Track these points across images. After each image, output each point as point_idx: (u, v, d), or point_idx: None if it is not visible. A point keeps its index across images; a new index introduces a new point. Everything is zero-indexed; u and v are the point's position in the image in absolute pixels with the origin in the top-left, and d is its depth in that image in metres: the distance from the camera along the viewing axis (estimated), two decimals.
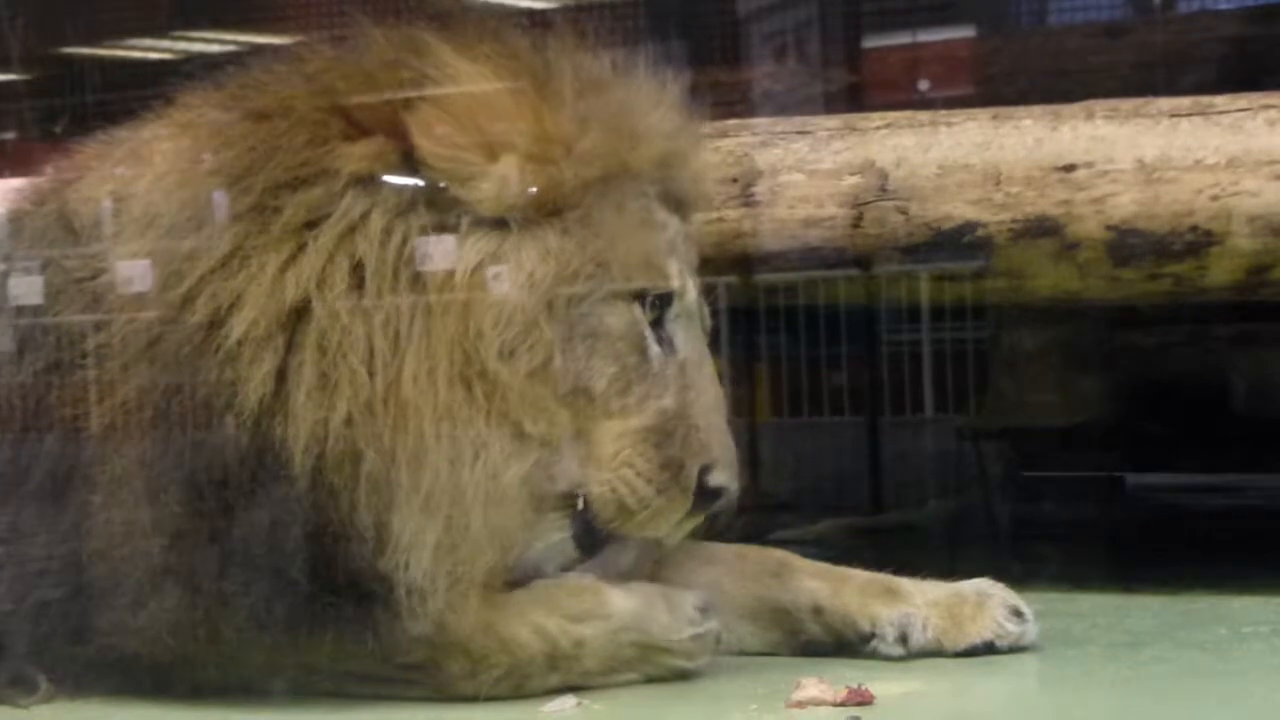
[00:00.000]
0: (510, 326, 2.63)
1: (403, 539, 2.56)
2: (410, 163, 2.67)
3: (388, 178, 2.67)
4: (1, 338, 2.85)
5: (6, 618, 2.76)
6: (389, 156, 2.67)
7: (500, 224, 2.66)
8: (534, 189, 2.67)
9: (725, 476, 2.75)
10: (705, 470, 2.74)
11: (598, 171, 2.73)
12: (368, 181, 2.66)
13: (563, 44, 2.81)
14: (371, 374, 2.58)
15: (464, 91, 2.68)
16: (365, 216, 2.63)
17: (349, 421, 2.57)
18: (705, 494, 2.74)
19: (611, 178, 2.75)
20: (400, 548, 2.56)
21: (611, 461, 2.70)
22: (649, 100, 2.84)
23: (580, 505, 2.71)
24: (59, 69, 5.15)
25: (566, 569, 2.75)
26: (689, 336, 2.81)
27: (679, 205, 2.89)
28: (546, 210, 2.69)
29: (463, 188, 2.65)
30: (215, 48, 5.31)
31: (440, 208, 2.66)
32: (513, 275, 2.64)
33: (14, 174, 3.22)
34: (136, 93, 2.99)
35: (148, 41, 5.35)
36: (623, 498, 2.70)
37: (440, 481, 2.58)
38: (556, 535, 2.72)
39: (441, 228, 2.65)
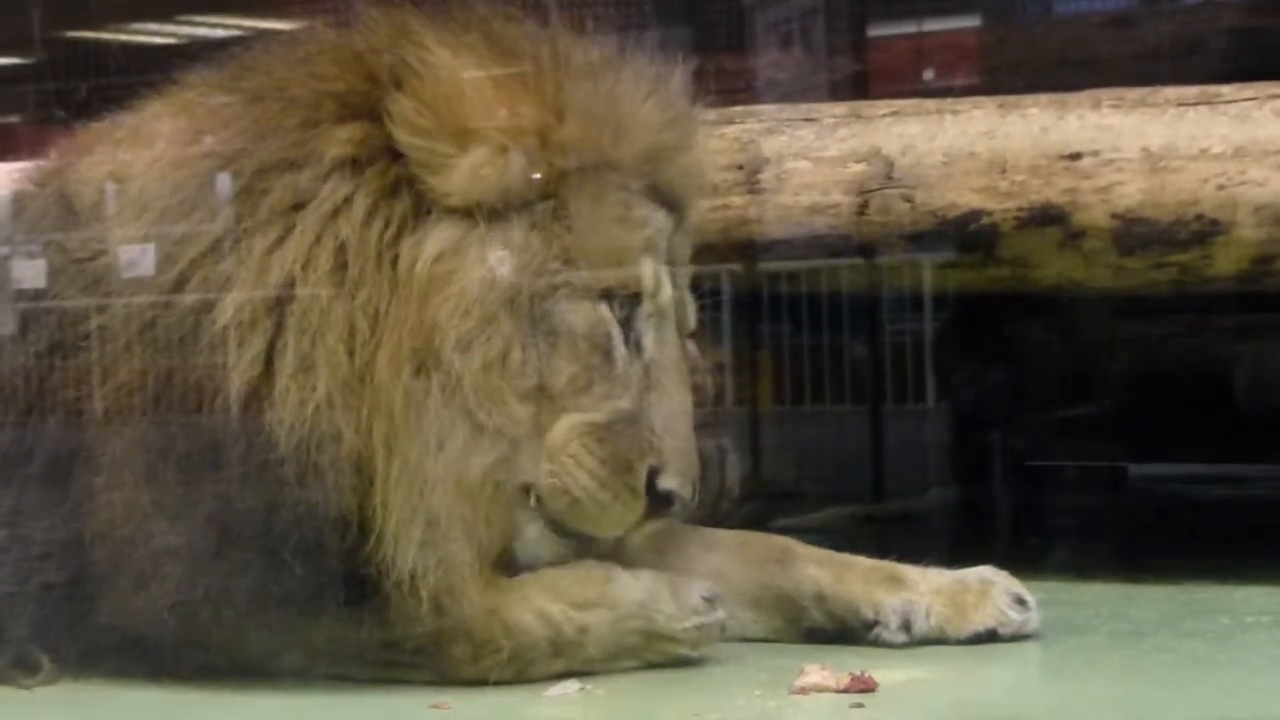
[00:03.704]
0: (467, 319, 2.61)
1: (387, 530, 2.57)
2: (394, 147, 2.67)
3: (371, 161, 2.66)
4: (3, 319, 2.85)
5: (9, 599, 2.76)
6: (374, 141, 2.67)
7: (467, 215, 2.65)
8: (504, 182, 2.66)
9: (676, 481, 2.72)
10: (655, 472, 2.71)
11: (573, 164, 2.71)
12: (352, 165, 2.66)
13: (555, 33, 2.79)
14: (350, 354, 2.58)
15: (443, 80, 2.67)
16: (349, 200, 2.64)
17: (329, 402, 2.57)
18: (656, 498, 2.72)
19: (589, 170, 2.73)
20: (386, 539, 2.56)
21: (559, 454, 2.69)
22: (639, 91, 2.81)
23: (534, 500, 2.71)
24: (65, 52, 5.15)
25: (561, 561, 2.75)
26: (659, 338, 2.79)
27: (667, 200, 2.85)
28: (516, 204, 2.68)
29: (434, 176, 2.65)
30: (220, 32, 5.31)
31: (421, 194, 2.65)
32: (474, 268, 2.63)
33: (20, 156, 3.23)
34: (142, 76, 2.98)
35: (153, 25, 5.35)
36: (569, 490, 2.69)
37: (410, 470, 2.57)
38: (533, 529, 2.72)
39: (421, 214, 2.65)
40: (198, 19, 5.27)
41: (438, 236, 2.64)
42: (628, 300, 2.75)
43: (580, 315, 2.71)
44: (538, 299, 2.68)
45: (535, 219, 2.69)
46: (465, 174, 2.65)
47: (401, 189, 2.66)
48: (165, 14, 5.27)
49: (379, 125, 2.67)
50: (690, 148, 2.96)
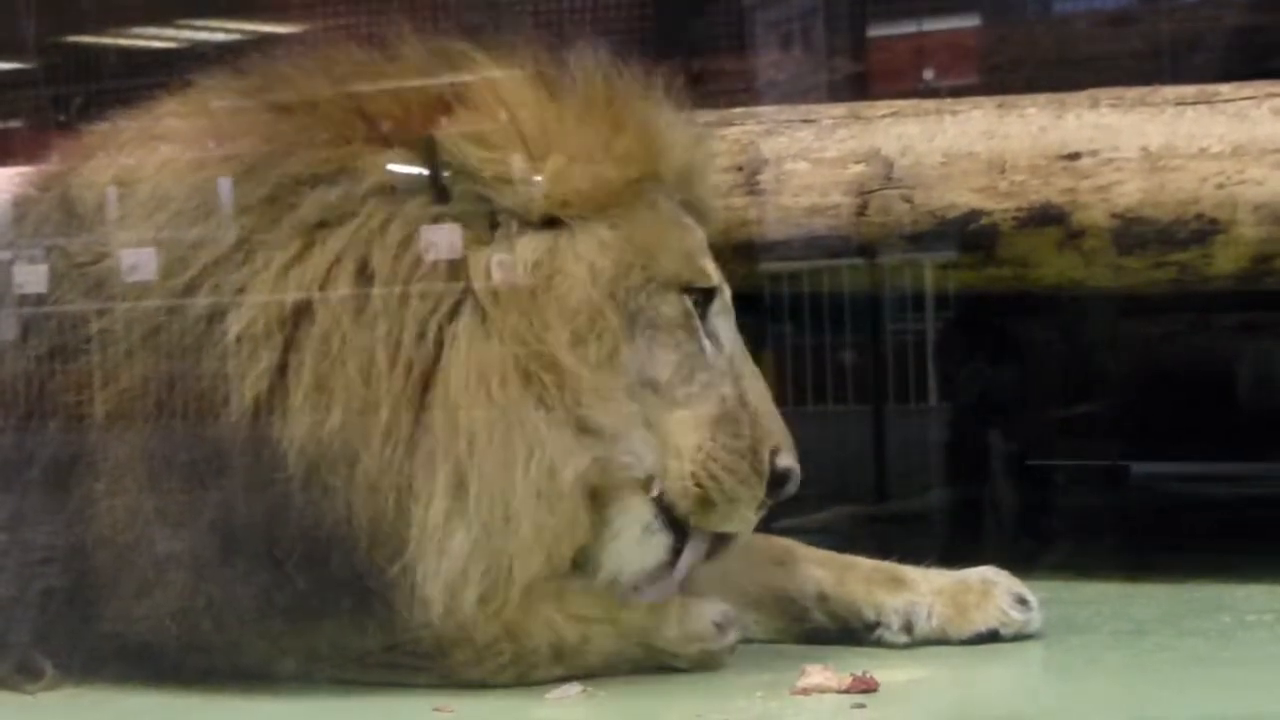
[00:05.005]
0: (578, 316, 2.63)
1: (427, 544, 2.55)
2: (436, 177, 2.67)
3: (410, 193, 2.67)
4: (4, 323, 2.85)
5: (12, 605, 2.76)
6: (413, 175, 2.68)
7: (550, 223, 2.67)
8: (582, 186, 2.69)
9: (791, 458, 2.75)
10: (773, 454, 2.73)
11: (635, 173, 2.75)
12: (390, 192, 2.66)
13: (590, 56, 2.81)
14: (366, 381, 2.58)
15: (506, 98, 2.69)
16: (384, 227, 2.64)
17: (345, 427, 2.56)
18: (775, 478, 2.73)
19: (645, 180, 2.77)
20: (425, 552, 2.55)
21: (696, 454, 2.69)
22: (668, 113, 2.86)
23: (655, 496, 2.69)
24: (65, 56, 5.16)
25: (653, 574, 2.73)
26: (732, 332, 2.82)
27: (699, 215, 2.90)
28: (594, 207, 2.70)
29: (509, 190, 2.66)
30: (221, 36, 5.31)
31: (469, 218, 2.66)
32: (573, 268, 2.65)
33: (22, 161, 3.23)
34: (143, 80, 2.98)
35: (154, 30, 5.35)
36: (707, 490, 2.68)
37: (486, 482, 2.56)
38: (633, 534, 2.71)
39: (474, 240, 2.66)
40: (198, 23, 5.27)
41: (528, 246, 2.66)
42: (702, 295, 2.78)
43: (671, 307, 2.73)
44: (634, 294, 2.69)
45: (613, 221, 2.71)
46: (548, 181, 2.67)
47: (441, 219, 2.66)
48: (166, 18, 5.28)
49: (422, 153, 2.67)
50: (711, 169, 3.04)
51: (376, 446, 2.56)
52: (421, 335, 2.60)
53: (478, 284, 2.63)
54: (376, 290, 2.61)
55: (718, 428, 2.71)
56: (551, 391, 2.61)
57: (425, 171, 2.67)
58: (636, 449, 2.67)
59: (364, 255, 2.62)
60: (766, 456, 2.72)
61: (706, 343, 2.75)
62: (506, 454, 2.58)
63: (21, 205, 2.95)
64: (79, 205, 2.85)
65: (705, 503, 2.70)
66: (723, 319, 2.81)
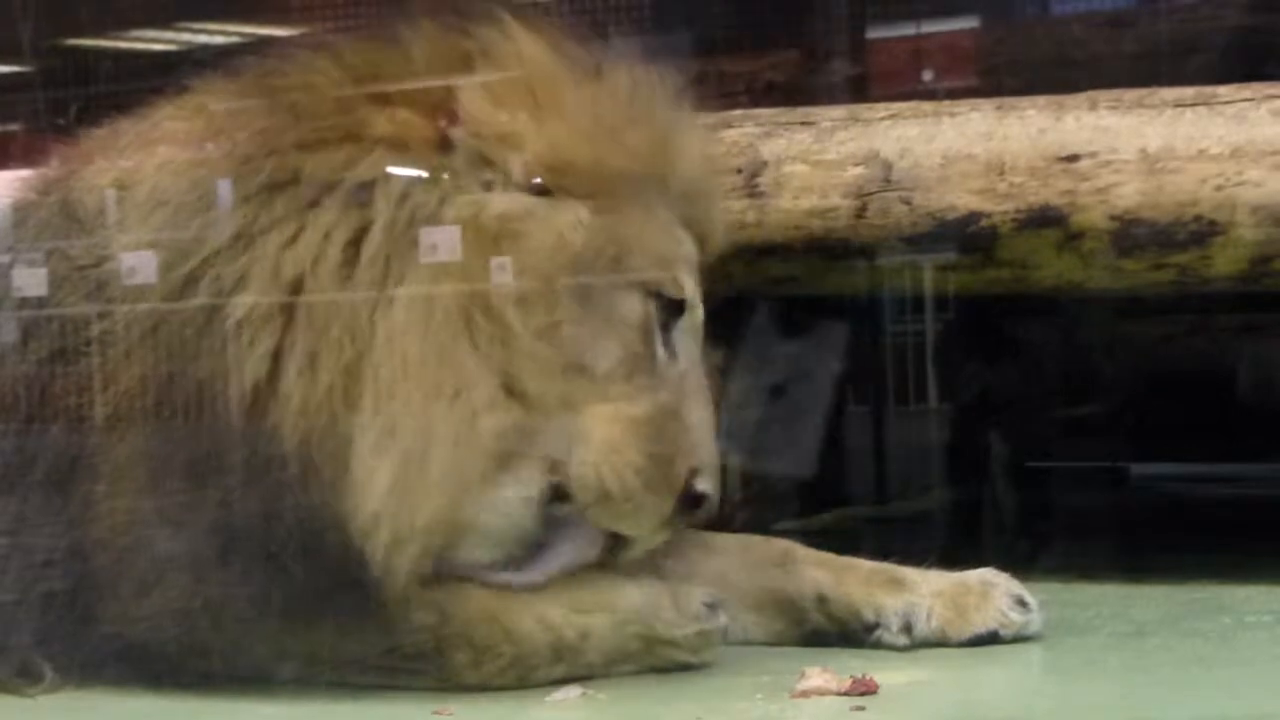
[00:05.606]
0: (532, 279, 2.64)
1: (358, 477, 2.55)
2: (441, 139, 2.69)
3: (412, 148, 2.69)
4: (6, 327, 2.85)
5: (13, 608, 2.76)
6: (420, 130, 2.69)
7: (537, 190, 2.69)
8: (578, 161, 2.70)
9: (710, 484, 2.73)
10: (692, 474, 2.72)
11: (637, 169, 2.76)
12: (396, 145, 2.67)
13: (615, 46, 2.84)
14: (354, 337, 2.58)
15: (525, 58, 2.72)
16: (388, 176, 2.65)
17: (330, 391, 2.56)
18: (689, 499, 2.72)
19: (648, 180, 2.78)
20: (354, 490, 2.55)
21: (602, 446, 2.67)
22: (689, 125, 2.89)
23: (555, 479, 2.67)
24: (63, 60, 5.16)
25: (519, 553, 2.70)
26: (691, 351, 2.81)
27: (698, 236, 2.91)
28: (584, 186, 2.71)
29: (507, 146, 2.68)
30: (220, 39, 5.31)
31: (469, 177, 2.68)
32: (541, 234, 2.66)
33: (21, 165, 3.23)
34: (141, 84, 2.99)
35: (152, 33, 5.35)
36: (607, 485, 2.66)
37: (410, 415, 2.56)
38: (507, 504, 2.67)
39: (460, 189, 2.68)
40: (196, 25, 5.27)
41: (506, 199, 2.68)
42: (671, 305, 2.77)
43: (631, 306, 2.73)
44: (595, 278, 2.70)
45: (599, 207, 2.72)
46: (545, 146, 2.68)
47: (439, 179, 2.67)
48: (164, 21, 5.28)
49: (419, 113, 2.69)
50: (718, 198, 3.08)
51: (352, 405, 2.57)
52: (388, 284, 2.61)
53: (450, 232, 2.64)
54: (371, 237, 2.62)
55: (639, 429, 2.69)
56: (488, 341, 2.61)
57: (427, 138, 2.69)
58: (553, 426, 2.66)
59: (360, 215, 2.64)
60: (684, 473, 2.70)
61: (660, 350, 2.75)
62: (434, 390, 2.58)
63: (22, 210, 2.96)
64: (80, 209, 2.86)
65: (605, 498, 2.67)
66: (686, 336, 2.80)
